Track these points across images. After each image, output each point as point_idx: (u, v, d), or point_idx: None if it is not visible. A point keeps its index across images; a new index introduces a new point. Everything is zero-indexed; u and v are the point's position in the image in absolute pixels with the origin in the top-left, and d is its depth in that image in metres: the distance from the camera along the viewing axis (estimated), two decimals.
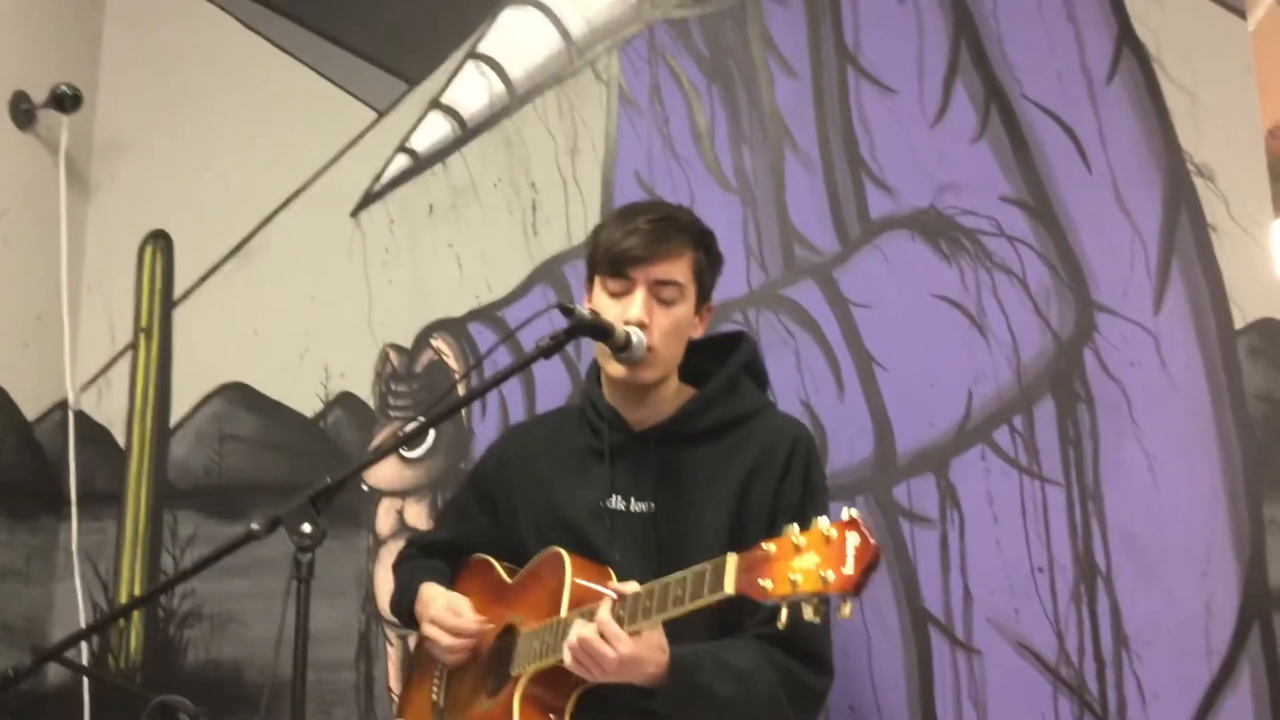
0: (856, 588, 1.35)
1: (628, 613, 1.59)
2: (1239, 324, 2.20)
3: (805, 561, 1.39)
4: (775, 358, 2.35)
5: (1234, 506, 2.14)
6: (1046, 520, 2.22)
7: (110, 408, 2.85)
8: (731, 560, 1.49)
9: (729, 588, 1.47)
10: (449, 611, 1.88)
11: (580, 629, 1.60)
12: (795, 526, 1.43)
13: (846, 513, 1.39)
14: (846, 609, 1.36)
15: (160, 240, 2.90)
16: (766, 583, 1.41)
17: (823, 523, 1.40)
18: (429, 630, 1.90)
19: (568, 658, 1.62)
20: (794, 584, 1.38)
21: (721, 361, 1.94)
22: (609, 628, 1.58)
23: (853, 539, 1.36)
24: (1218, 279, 2.22)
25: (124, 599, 2.71)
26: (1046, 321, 2.28)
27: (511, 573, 1.95)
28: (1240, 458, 2.16)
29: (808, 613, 1.39)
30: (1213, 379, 2.19)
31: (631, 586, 1.63)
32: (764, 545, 1.44)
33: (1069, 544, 2.20)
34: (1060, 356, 2.26)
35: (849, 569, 1.35)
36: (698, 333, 1.93)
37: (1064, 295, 2.28)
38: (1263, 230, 2.22)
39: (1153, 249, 2.25)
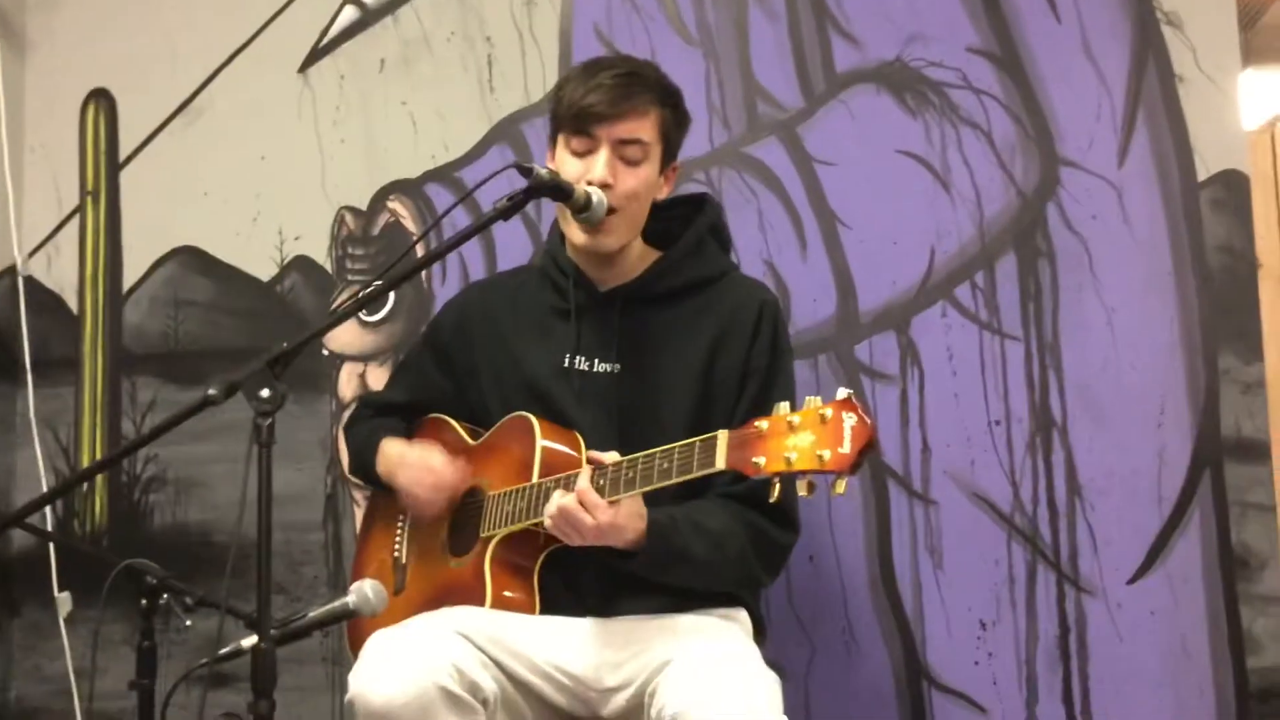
0: (853, 467, 1.39)
1: (608, 482, 1.62)
2: (1202, 176, 2.20)
3: (800, 440, 1.42)
4: (738, 217, 2.32)
5: (1190, 358, 2.18)
6: (1005, 374, 2.25)
7: (61, 273, 2.78)
8: (722, 437, 1.52)
9: (720, 463, 1.51)
10: (424, 466, 1.87)
11: (561, 498, 1.62)
12: (786, 405, 1.46)
13: (842, 392, 1.42)
14: (842, 486, 1.40)
15: (102, 99, 2.79)
16: (759, 459, 1.45)
17: (817, 402, 1.43)
18: (408, 486, 1.88)
19: (548, 525, 1.65)
20: (789, 461, 1.42)
21: (685, 223, 1.91)
22: (589, 497, 1.61)
23: (849, 419, 1.40)
24: (1182, 131, 2.21)
25: (86, 465, 2.70)
26: (1011, 176, 2.27)
27: (471, 433, 1.95)
28: (1198, 309, 2.18)
29: (801, 489, 1.44)
30: (1174, 232, 2.20)
31: (611, 456, 1.65)
32: (756, 423, 1.47)
33: (1026, 397, 2.24)
34: (1024, 212, 2.25)
35: (845, 449, 1.39)
36: (663, 194, 1.90)
37: (1029, 149, 2.27)
38: (1230, 80, 2.20)
39: (1119, 101, 2.23)
